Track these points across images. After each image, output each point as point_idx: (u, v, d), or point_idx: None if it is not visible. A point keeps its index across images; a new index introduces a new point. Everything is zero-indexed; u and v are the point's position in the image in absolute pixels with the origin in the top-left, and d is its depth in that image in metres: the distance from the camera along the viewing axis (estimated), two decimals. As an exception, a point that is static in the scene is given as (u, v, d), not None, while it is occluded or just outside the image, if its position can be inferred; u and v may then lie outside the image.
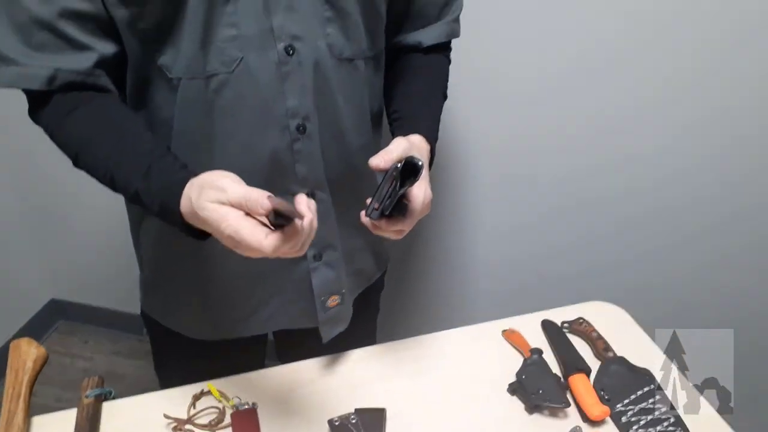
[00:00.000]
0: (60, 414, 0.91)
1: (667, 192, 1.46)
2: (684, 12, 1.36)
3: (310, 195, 0.88)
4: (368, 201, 0.78)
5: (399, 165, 0.75)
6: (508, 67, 1.50)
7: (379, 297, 1.21)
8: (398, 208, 0.79)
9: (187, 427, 0.89)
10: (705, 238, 1.46)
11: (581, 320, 1.08)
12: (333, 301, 0.97)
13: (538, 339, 1.06)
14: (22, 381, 0.89)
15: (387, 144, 0.83)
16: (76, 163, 0.79)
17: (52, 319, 2.38)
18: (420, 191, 0.79)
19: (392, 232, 0.81)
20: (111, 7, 0.73)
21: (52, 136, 0.79)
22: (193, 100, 0.78)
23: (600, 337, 1.05)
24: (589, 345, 1.05)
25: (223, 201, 0.63)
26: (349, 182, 0.90)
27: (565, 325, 1.08)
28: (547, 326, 1.08)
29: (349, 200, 0.89)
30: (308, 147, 0.83)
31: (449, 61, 1.07)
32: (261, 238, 0.62)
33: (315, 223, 0.64)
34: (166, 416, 0.90)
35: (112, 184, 0.76)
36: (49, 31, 0.72)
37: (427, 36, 0.99)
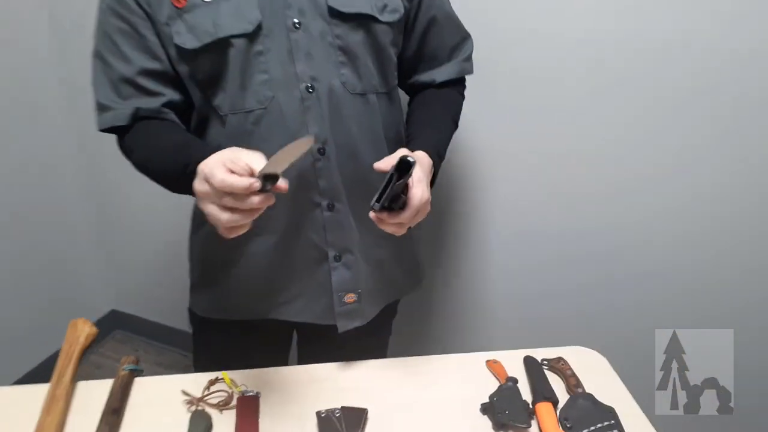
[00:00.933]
0: (99, 382, 1.06)
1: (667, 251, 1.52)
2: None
3: (330, 205, 1.03)
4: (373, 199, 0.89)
5: (394, 164, 0.88)
6: (524, 140, 1.55)
7: (391, 321, 1.34)
8: (398, 203, 0.90)
9: (200, 405, 1.04)
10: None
11: (561, 359, 1.15)
12: (349, 298, 1.10)
13: (518, 371, 1.13)
14: (74, 350, 1.07)
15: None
16: (146, 164, 0.99)
17: (110, 328, 2.54)
18: (417, 190, 0.90)
19: (394, 225, 0.92)
20: (176, 65, 0.97)
21: (131, 151, 1.00)
22: (237, 130, 0.98)
23: (573, 374, 1.11)
24: (563, 380, 1.12)
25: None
26: (364, 195, 0.98)
27: (545, 361, 1.15)
28: (528, 361, 1.15)
29: (365, 211, 0.97)
30: (327, 166, 1.00)
31: (462, 96, 1.19)
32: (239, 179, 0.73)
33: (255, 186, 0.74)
34: (184, 392, 1.05)
35: (168, 180, 0.96)
36: (131, 85, 0.97)
37: (440, 74, 1.14)
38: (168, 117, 1.00)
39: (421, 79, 1.15)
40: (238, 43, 0.93)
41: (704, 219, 1.46)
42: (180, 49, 0.94)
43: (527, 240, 1.64)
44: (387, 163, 0.91)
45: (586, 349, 1.20)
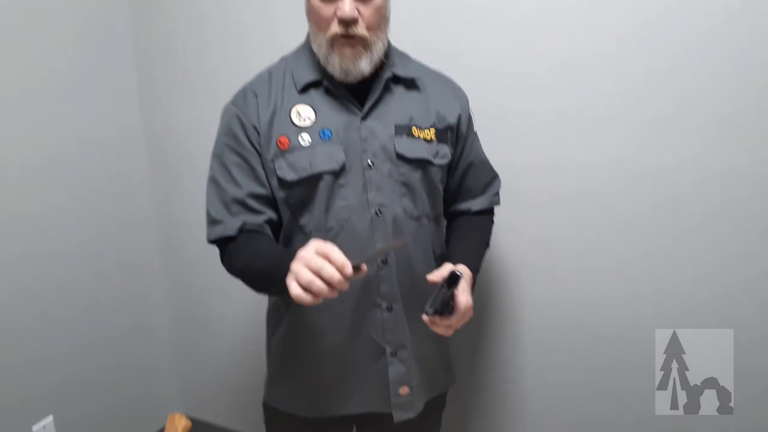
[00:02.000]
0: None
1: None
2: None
3: (389, 307, 1.23)
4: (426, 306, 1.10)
5: (445, 276, 1.08)
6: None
7: (441, 413, 1.47)
8: (448, 309, 1.10)
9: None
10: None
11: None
12: (404, 390, 1.26)
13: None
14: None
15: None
16: (246, 265, 1.17)
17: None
18: (463, 298, 1.12)
19: (444, 327, 1.13)
20: (275, 191, 1.21)
21: (233, 256, 1.19)
22: None
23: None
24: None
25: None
26: (416, 300, 1.20)
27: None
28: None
29: (417, 313, 1.16)
30: (389, 274, 1.21)
31: (492, 222, 1.42)
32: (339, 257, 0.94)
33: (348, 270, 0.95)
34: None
35: (263, 274, 1.13)
36: (240, 205, 1.19)
37: (475, 204, 1.37)
38: (266, 231, 1.22)
39: (459, 208, 1.38)
40: (327, 177, 1.17)
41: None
42: (281, 180, 1.19)
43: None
44: (437, 275, 1.13)
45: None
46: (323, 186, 1.18)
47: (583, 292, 1.58)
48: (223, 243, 1.22)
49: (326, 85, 1.20)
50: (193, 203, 2.04)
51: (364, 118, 1.20)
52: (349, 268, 0.94)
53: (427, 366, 1.32)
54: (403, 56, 1.30)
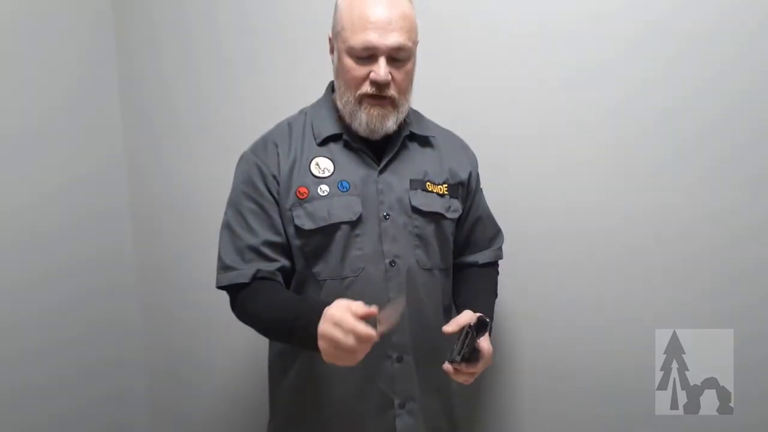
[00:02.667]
0: None
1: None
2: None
3: (399, 358, 1.24)
4: (447, 358, 1.13)
5: (472, 322, 1.11)
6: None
7: None
8: (474, 356, 1.13)
9: None
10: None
11: None
12: None
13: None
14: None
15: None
16: (260, 314, 1.19)
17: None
18: (486, 344, 1.16)
19: (467, 374, 1.15)
20: (291, 239, 1.23)
21: (247, 304, 1.20)
22: (332, 292, 1.20)
23: None
24: None
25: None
26: (426, 350, 1.25)
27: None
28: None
29: (426, 364, 1.23)
30: (400, 324, 1.19)
31: (497, 273, 1.46)
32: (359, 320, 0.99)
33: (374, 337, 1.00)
34: None
35: (279, 324, 1.15)
36: (255, 252, 1.21)
37: (482, 257, 1.41)
38: (278, 279, 1.23)
39: (467, 260, 1.41)
40: (344, 227, 1.20)
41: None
42: (298, 229, 1.21)
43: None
44: (455, 325, 1.14)
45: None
46: (340, 235, 1.21)
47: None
48: (234, 289, 1.23)
49: (346, 139, 1.24)
50: (176, 246, 2.00)
51: (381, 171, 1.24)
52: (373, 338, 0.99)
53: (433, 419, 1.31)
54: (417, 114, 1.36)
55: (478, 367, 1.15)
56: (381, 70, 1.15)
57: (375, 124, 1.20)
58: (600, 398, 1.59)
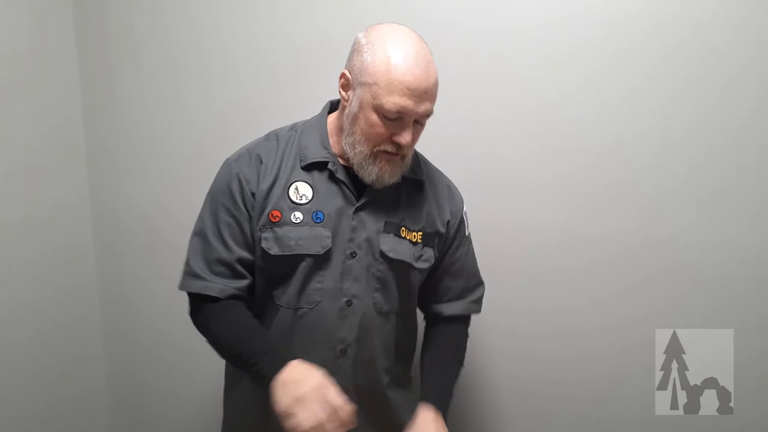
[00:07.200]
0: None
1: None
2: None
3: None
4: None
5: None
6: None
7: None
8: None
9: None
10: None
11: None
12: None
13: None
14: None
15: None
16: (219, 335, 1.19)
17: None
18: None
19: None
20: (256, 259, 1.21)
21: (210, 319, 1.20)
22: (286, 319, 1.21)
23: None
24: None
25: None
26: (369, 392, 1.25)
27: None
28: None
29: (369, 403, 1.23)
30: (344, 364, 1.22)
31: (466, 334, 1.38)
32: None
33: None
34: None
35: (236, 355, 1.17)
36: (226, 267, 1.19)
37: (448, 309, 1.34)
38: (245, 296, 1.23)
39: (433, 309, 1.36)
40: (309, 260, 1.19)
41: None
42: (264, 251, 1.19)
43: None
44: None
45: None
46: (303, 266, 1.19)
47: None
48: (200, 299, 1.21)
49: (331, 169, 1.20)
50: (140, 278, 1.99)
51: (360, 209, 1.21)
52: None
53: None
54: (413, 152, 1.28)
55: None
56: (409, 136, 1.13)
57: (385, 179, 1.17)
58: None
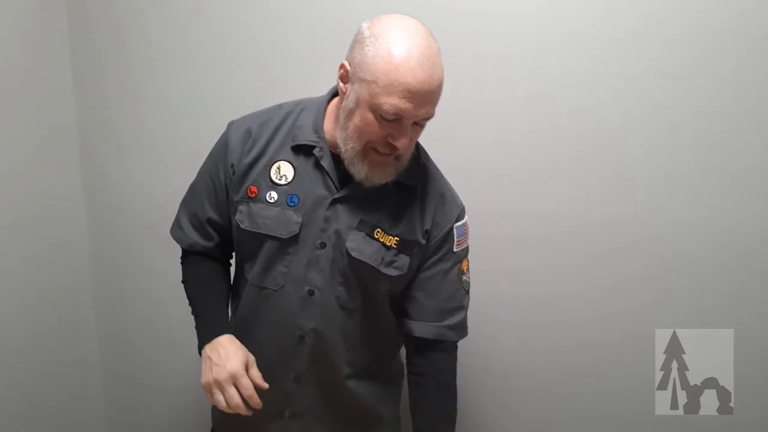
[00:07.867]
0: None
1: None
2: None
3: (297, 377, 1.23)
4: None
5: None
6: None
7: None
8: None
9: None
10: None
11: None
12: None
13: None
14: None
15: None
16: (185, 284, 1.30)
17: None
18: None
19: None
20: (234, 231, 1.23)
21: (185, 269, 1.31)
22: (252, 297, 1.24)
23: None
24: None
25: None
26: (331, 383, 1.25)
27: None
28: None
29: (329, 398, 1.26)
30: (302, 351, 1.22)
31: (454, 368, 1.28)
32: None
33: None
34: None
35: (191, 308, 1.26)
36: (198, 221, 1.26)
37: (419, 329, 1.24)
38: (216, 255, 1.31)
39: (404, 324, 1.27)
40: (273, 242, 1.19)
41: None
42: (237, 224, 1.21)
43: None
44: None
45: None
46: (268, 247, 1.19)
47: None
48: (183, 251, 1.32)
49: (317, 155, 1.16)
50: (134, 274, 1.98)
51: (338, 200, 1.16)
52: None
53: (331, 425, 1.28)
54: (413, 153, 1.20)
55: None
56: (405, 140, 1.07)
57: (375, 179, 1.12)
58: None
